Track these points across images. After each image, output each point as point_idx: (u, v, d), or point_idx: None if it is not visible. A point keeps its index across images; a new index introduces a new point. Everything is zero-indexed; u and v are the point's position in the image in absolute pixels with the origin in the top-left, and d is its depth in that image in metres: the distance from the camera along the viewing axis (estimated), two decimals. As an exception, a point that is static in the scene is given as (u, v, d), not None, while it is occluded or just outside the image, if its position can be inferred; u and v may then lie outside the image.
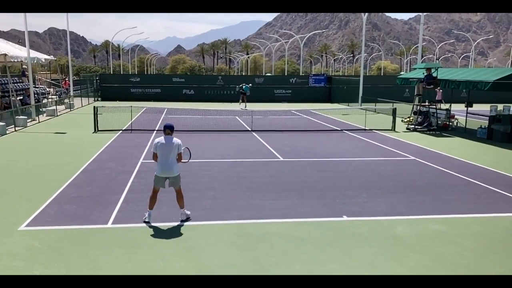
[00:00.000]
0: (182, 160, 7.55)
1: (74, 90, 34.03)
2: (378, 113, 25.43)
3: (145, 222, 7.42)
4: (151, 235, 7.00)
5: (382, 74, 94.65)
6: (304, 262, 6.11)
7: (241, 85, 31.39)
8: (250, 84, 32.50)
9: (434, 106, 20.51)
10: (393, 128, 19.66)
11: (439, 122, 20.25)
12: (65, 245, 6.54)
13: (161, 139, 7.49)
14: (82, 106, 29.37)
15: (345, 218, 7.94)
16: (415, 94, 21.83)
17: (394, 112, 20.24)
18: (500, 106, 18.05)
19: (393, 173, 11.59)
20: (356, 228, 7.45)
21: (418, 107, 21.03)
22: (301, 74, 58.50)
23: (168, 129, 7.61)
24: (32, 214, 7.80)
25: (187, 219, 7.56)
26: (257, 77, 41.54)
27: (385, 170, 11.93)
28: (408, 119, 21.96)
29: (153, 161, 7.63)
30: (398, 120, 20.59)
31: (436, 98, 20.53)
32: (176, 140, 7.53)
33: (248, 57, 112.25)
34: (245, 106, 29.41)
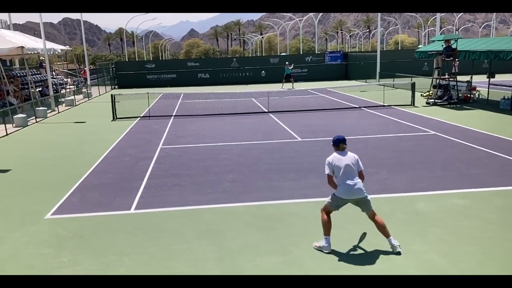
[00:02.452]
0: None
1: (91, 79, 34.36)
2: (397, 88, 24.99)
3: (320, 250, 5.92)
4: (173, 219, 7.10)
5: (399, 49, 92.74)
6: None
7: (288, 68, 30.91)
8: (287, 62, 32.05)
9: (454, 79, 20.03)
10: (413, 103, 19.32)
11: (460, 95, 19.82)
12: (89, 232, 6.70)
13: (336, 155, 6.00)
14: (99, 95, 29.68)
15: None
16: (434, 67, 21.33)
17: (413, 87, 19.85)
18: (523, 76, 17.54)
19: (413, 148, 11.44)
20: (377, 206, 7.37)
21: (438, 80, 20.58)
22: (316, 52, 57.73)
23: (343, 143, 6.06)
24: (57, 203, 7.98)
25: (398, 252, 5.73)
26: (272, 57, 41.18)
27: (405, 146, 11.78)
28: (427, 93, 21.54)
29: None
30: (417, 94, 20.20)
31: (452, 71, 20.03)
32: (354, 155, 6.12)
33: (262, 37, 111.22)
34: (292, 87, 29.20)
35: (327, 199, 6.01)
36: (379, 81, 28.18)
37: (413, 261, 5.48)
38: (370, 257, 5.63)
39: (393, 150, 11.32)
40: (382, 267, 5.37)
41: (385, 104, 19.37)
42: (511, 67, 27.64)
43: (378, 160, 10.32)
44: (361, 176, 6.01)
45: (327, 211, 5.98)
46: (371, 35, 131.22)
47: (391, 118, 16.18)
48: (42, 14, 21.96)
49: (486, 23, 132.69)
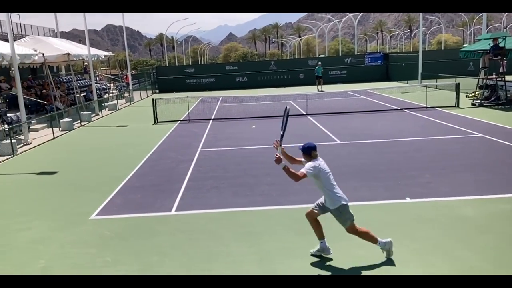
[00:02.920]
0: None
1: (133, 84, 35.33)
2: (440, 89, 24.23)
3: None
4: (212, 221, 7.17)
5: (442, 48, 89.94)
6: (364, 245, 5.99)
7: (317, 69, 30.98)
8: (320, 63, 32.00)
9: (502, 79, 19.19)
10: (457, 105, 18.66)
11: (509, 95, 18.95)
12: (132, 233, 6.87)
13: (320, 162, 5.96)
14: (141, 99, 30.47)
15: (408, 200, 7.69)
16: (481, 67, 20.55)
17: (457, 88, 19.16)
18: None
19: (458, 151, 11.04)
20: (419, 210, 7.19)
21: (484, 80, 19.78)
22: (356, 53, 56.94)
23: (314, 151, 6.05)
24: (101, 204, 8.24)
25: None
26: (310, 59, 40.92)
27: (449, 148, 11.38)
28: (473, 94, 20.74)
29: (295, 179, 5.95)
30: (462, 95, 19.49)
31: (500, 70, 19.20)
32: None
33: (301, 39, 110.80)
34: (321, 89, 29.17)
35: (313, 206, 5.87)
36: (421, 82, 27.42)
37: (458, 267, 5.28)
38: (410, 261, 5.46)
39: (436, 153, 10.97)
40: (424, 274, 5.19)
41: (427, 106, 18.81)
42: None
43: (421, 163, 10.03)
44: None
45: (312, 216, 5.82)
46: (412, 35, 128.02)
47: (434, 120, 15.70)
48: (87, 21, 22.81)
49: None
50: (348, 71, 36.90)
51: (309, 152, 5.79)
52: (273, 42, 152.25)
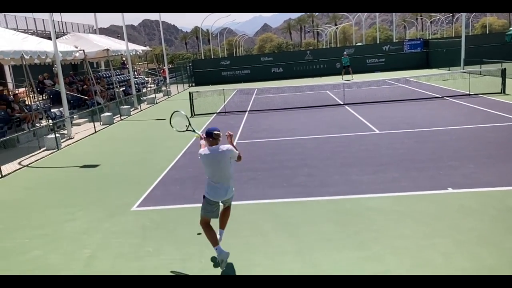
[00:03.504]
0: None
1: (170, 78, 35.89)
2: (484, 75, 23.23)
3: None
4: (250, 212, 7.20)
5: (487, 32, 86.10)
6: (406, 236, 5.86)
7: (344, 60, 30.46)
8: (345, 53, 31.43)
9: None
10: (503, 91, 17.84)
11: (559, 79, 17.95)
12: (172, 223, 7.01)
13: (205, 150, 5.65)
14: (178, 93, 30.91)
15: (450, 190, 7.44)
16: (528, 50, 19.51)
17: (503, 73, 18.29)
18: None
19: (504, 140, 10.57)
20: (463, 201, 6.95)
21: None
22: (394, 40, 55.41)
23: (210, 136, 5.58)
24: (141, 196, 8.45)
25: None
26: (347, 47, 40.21)
27: (495, 137, 10.92)
28: (520, 79, 19.76)
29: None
30: (508, 81, 18.61)
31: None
32: (225, 147, 5.57)
33: (337, 28, 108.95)
34: (351, 78, 28.72)
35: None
36: (463, 69, 26.39)
37: (506, 260, 5.07)
38: (455, 252, 5.29)
39: (480, 141, 10.55)
40: (469, 266, 5.02)
41: (471, 93, 18.09)
42: None
43: (464, 152, 9.67)
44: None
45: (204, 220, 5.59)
46: (454, 19, 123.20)
47: (478, 108, 15.09)
48: (125, 17, 23.29)
49: None
50: (387, 59, 35.99)
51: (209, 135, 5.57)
52: (308, 32, 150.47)
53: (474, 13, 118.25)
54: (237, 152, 5.55)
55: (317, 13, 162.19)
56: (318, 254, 5.62)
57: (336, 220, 6.63)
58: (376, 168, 9.04)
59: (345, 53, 31.76)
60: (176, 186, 8.97)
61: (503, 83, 18.03)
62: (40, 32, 30.27)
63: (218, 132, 5.51)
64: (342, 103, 18.52)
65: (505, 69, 18.54)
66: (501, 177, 7.89)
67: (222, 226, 5.78)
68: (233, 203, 7.64)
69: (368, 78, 28.34)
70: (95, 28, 31.45)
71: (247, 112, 18.40)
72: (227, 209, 5.82)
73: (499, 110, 14.30)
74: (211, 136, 5.50)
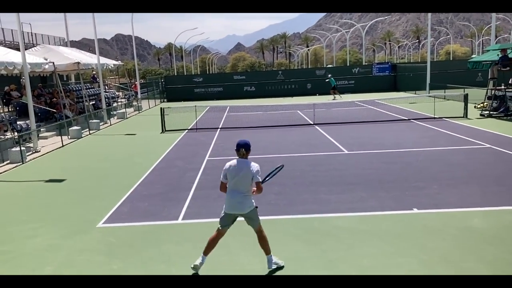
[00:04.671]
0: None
1: (141, 93, 35.62)
2: (448, 100, 24.15)
3: (192, 267, 5.62)
4: (218, 230, 7.15)
5: (451, 59, 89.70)
6: (372, 255, 5.96)
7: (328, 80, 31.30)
8: (329, 75, 32.26)
9: (511, 90, 19.07)
10: (465, 115, 18.57)
11: (517, 106, 18.82)
12: (139, 241, 6.88)
13: (233, 161, 5.67)
14: (149, 108, 30.66)
15: (415, 210, 7.64)
16: (489, 77, 20.45)
17: (465, 98, 19.09)
18: None
19: (466, 162, 10.97)
20: (428, 221, 7.15)
21: (493, 91, 19.69)
22: (364, 63, 56.97)
23: (243, 149, 5.64)
24: (108, 212, 8.28)
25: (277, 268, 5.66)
26: (317, 69, 41.01)
27: (458, 159, 11.32)
28: (481, 104, 20.64)
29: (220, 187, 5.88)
30: (470, 106, 19.41)
31: (510, 81, 19.14)
32: (255, 166, 5.63)
33: (308, 49, 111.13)
34: (335, 98, 29.48)
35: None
36: (429, 93, 27.34)
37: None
38: (418, 271, 5.42)
39: (444, 163, 10.91)
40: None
41: (435, 116, 18.75)
42: None
43: (429, 173, 9.97)
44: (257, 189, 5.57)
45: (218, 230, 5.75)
46: (420, 45, 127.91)
47: (442, 131, 15.63)
48: (97, 31, 23.08)
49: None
50: (356, 81, 36.91)
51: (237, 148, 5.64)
52: (281, 52, 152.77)
53: (438, 40, 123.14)
54: (261, 180, 5.61)
55: (289, 34, 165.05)
56: (286, 273, 5.62)
57: (304, 238, 6.67)
58: (344, 188, 9.19)
59: (329, 75, 32.41)
60: (144, 202, 8.84)
61: (465, 108, 18.79)
62: (8, 42, 29.56)
63: (249, 146, 5.66)
64: (312, 123, 18.82)
65: (467, 94, 19.36)
66: (462, 198, 8.16)
67: (266, 252, 5.70)
68: (200, 220, 7.62)
69: (338, 99, 28.97)
70: (66, 40, 31.01)
71: (218, 129, 18.42)
72: (259, 235, 5.73)
73: (462, 133, 14.85)
74: (244, 148, 5.61)
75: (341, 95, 30.59)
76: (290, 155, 12.82)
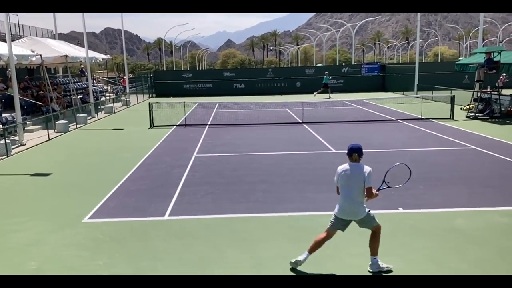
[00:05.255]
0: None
1: (130, 88, 35.37)
2: (435, 101, 24.39)
3: (293, 262, 5.57)
4: (206, 227, 7.15)
5: (439, 61, 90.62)
6: (359, 254, 6.00)
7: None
8: (327, 72, 32.48)
9: (497, 92, 19.35)
10: (452, 117, 18.79)
11: (503, 109, 19.12)
12: (125, 236, 6.84)
13: (345, 165, 5.68)
14: (138, 103, 30.45)
15: (401, 210, 7.72)
16: (476, 80, 20.72)
17: (452, 100, 19.32)
18: None
19: (452, 163, 11.10)
20: (413, 221, 7.23)
21: (479, 93, 19.95)
22: (353, 63, 57.31)
23: (356, 154, 5.67)
24: (94, 207, 8.21)
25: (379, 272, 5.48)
26: (307, 68, 41.12)
27: (444, 160, 11.45)
28: (467, 106, 20.90)
29: None
30: (457, 108, 19.64)
31: (496, 84, 19.45)
32: (367, 169, 5.58)
33: (298, 48, 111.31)
34: (329, 97, 29.64)
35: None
36: (417, 94, 27.60)
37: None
38: (404, 270, 5.48)
39: (430, 164, 11.03)
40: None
41: (423, 117, 18.94)
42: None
43: (415, 174, 10.03)
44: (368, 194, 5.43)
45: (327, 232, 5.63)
46: (409, 46, 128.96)
47: (429, 132, 15.79)
48: (85, 24, 22.82)
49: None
50: (345, 81, 37.07)
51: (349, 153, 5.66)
52: (271, 50, 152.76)
53: (427, 42, 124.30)
54: (372, 185, 5.47)
55: (280, 32, 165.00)
56: (274, 270, 5.64)
57: (291, 236, 6.70)
58: (332, 186, 9.20)
59: (326, 72, 32.62)
60: (131, 198, 8.78)
61: (452, 110, 19.01)
62: (-6, 33, 29.08)
63: (361, 151, 5.68)
64: (301, 121, 18.87)
65: (454, 96, 19.59)
66: (449, 198, 8.27)
67: (372, 253, 5.55)
68: (187, 217, 7.61)
69: (327, 98, 29.11)
70: (54, 33, 30.60)
71: (207, 126, 18.38)
72: (372, 234, 5.59)
73: (448, 135, 15.03)
74: (357, 153, 5.64)
75: (330, 95, 30.71)
76: (278, 153, 12.84)
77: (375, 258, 5.49)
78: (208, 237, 6.73)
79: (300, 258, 5.51)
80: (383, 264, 5.49)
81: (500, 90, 19.34)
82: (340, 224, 5.56)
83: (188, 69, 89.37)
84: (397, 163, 5.76)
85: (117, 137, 16.70)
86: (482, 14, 25.75)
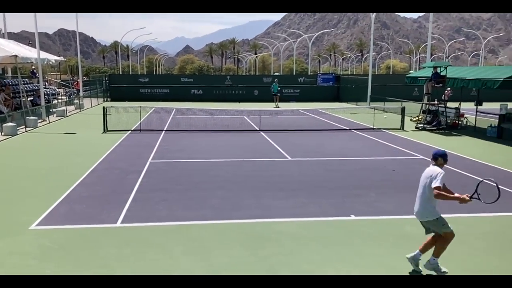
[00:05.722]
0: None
1: (83, 91, 34.33)
2: (387, 112, 25.30)
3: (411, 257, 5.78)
4: (160, 234, 7.05)
5: (391, 73, 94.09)
6: (312, 261, 6.11)
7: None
8: (276, 80, 32.79)
9: (443, 105, 20.35)
10: (402, 127, 19.55)
11: (449, 121, 20.11)
12: (75, 244, 6.62)
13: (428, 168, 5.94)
14: (91, 107, 29.60)
15: (352, 217, 7.93)
16: (424, 93, 21.67)
17: (403, 111, 20.13)
18: (510, 105, 17.85)
19: (402, 172, 11.54)
20: (365, 228, 7.44)
21: (427, 106, 20.89)
22: (309, 73, 58.42)
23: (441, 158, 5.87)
24: (43, 214, 7.88)
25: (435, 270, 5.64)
26: (265, 76, 41.53)
27: (394, 169, 11.88)
28: (417, 118, 21.82)
29: None
30: (407, 119, 20.48)
31: (442, 97, 20.50)
32: (436, 171, 5.69)
33: (256, 56, 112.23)
34: (277, 105, 29.90)
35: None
36: (369, 104, 28.52)
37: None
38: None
39: (382, 172, 11.41)
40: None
41: (375, 127, 19.58)
42: (499, 96, 28.23)
43: (367, 182, 10.39)
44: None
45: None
46: (363, 58, 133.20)
47: (380, 141, 16.34)
48: (38, 24, 21.98)
49: (475, 52, 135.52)
50: (301, 90, 37.73)
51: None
52: (229, 57, 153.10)
53: (380, 55, 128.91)
54: (439, 185, 5.54)
55: (238, 40, 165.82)
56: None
57: (247, 243, 6.72)
58: (287, 194, 9.37)
59: (276, 80, 32.98)
60: (82, 204, 8.51)
61: (402, 120, 19.80)
62: None
63: (446, 157, 5.88)
64: (258, 129, 19.01)
65: (404, 107, 20.42)
66: (398, 206, 8.58)
67: (434, 254, 5.66)
68: (143, 224, 7.47)
69: (284, 107, 29.53)
70: (3, 32, 29.25)
71: (163, 131, 18.13)
72: (438, 237, 5.69)
73: (398, 144, 15.62)
74: (443, 158, 5.89)
75: (278, 103, 31.14)
76: (235, 159, 12.87)
77: (434, 259, 5.62)
78: (161, 245, 6.63)
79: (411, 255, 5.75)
80: (442, 267, 5.61)
81: (445, 103, 20.33)
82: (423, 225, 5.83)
83: (145, 73, 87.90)
84: (492, 180, 5.88)
85: (69, 141, 16.14)
86: (430, 31, 27.06)
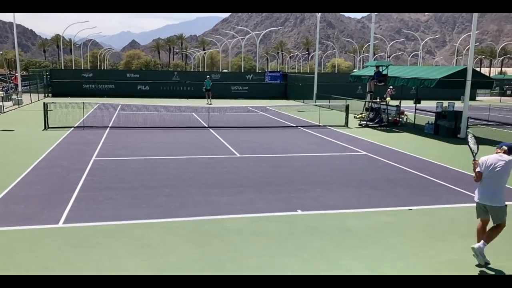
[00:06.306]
0: None
1: (22, 86, 32.59)
2: (332, 109, 26.01)
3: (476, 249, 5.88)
4: (104, 234, 6.86)
5: (336, 72, 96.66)
6: (259, 256, 6.21)
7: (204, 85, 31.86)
8: (208, 76, 32.87)
9: (385, 103, 21.23)
10: (346, 124, 20.19)
11: (390, 118, 21.00)
12: (13, 247, 6.31)
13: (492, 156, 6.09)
14: (31, 103, 28.19)
15: (299, 212, 8.12)
16: (367, 91, 22.49)
17: (347, 109, 20.80)
18: (445, 103, 18.93)
19: (346, 168, 11.93)
20: (310, 222, 7.64)
21: (370, 103, 21.70)
22: (257, 71, 58.80)
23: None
24: (-24, 215, 7.44)
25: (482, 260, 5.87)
26: (213, 73, 41.36)
27: (339, 165, 12.26)
28: (360, 115, 22.61)
29: None
30: (351, 116, 21.17)
31: (384, 96, 21.44)
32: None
33: (205, 53, 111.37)
34: (210, 102, 29.75)
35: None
36: (315, 102, 29.19)
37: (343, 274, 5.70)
38: (299, 271, 5.77)
39: (327, 168, 11.75)
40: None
41: (320, 124, 20.08)
42: (435, 94, 29.86)
43: (313, 177, 10.66)
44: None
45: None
46: (309, 57, 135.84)
47: (326, 138, 16.79)
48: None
49: (414, 52, 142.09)
50: (250, 87, 37.95)
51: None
52: (177, 53, 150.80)
53: (326, 53, 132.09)
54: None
55: (186, 36, 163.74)
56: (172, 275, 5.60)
57: (194, 240, 6.70)
58: (236, 190, 9.42)
59: (208, 76, 33.01)
60: (20, 205, 8.11)
61: (346, 118, 20.45)
62: None
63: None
64: (206, 125, 18.92)
65: (348, 105, 21.10)
66: (342, 200, 8.88)
67: (485, 239, 5.91)
68: (86, 224, 7.23)
69: (232, 104, 29.56)
70: None
71: (108, 128, 17.60)
72: (494, 227, 5.98)
73: (343, 141, 16.13)
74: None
75: (211, 100, 31.29)
76: (183, 157, 12.75)
77: (484, 244, 5.87)
78: (105, 245, 6.46)
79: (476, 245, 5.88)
80: (487, 258, 5.85)
81: (386, 101, 21.21)
82: (481, 210, 6.12)
83: (89, 68, 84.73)
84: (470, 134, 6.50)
85: (6, 138, 15.28)
86: (372, 31, 28.09)
